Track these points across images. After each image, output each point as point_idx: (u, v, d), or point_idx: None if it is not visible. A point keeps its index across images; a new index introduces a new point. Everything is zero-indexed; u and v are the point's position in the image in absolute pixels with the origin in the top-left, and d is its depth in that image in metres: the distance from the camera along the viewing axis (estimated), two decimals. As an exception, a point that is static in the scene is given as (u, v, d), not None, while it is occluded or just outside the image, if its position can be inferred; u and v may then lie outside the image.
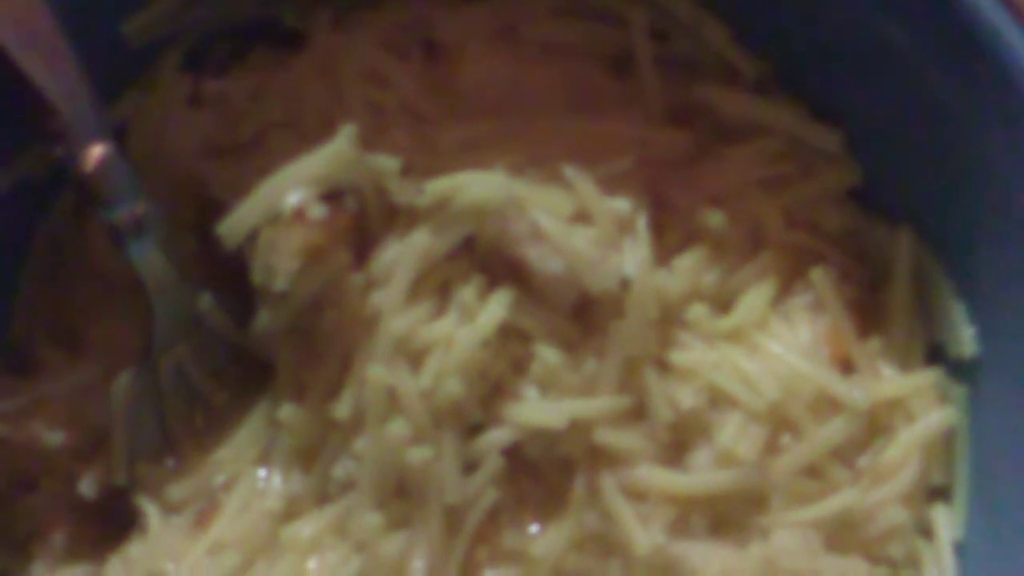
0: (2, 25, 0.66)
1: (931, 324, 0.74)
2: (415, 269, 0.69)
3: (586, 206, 0.71)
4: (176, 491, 0.71)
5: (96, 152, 0.67)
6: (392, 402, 0.68)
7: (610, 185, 0.72)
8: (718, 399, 0.70)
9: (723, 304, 0.73)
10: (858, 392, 0.70)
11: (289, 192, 0.68)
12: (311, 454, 0.70)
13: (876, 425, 0.71)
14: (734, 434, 0.70)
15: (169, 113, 0.75)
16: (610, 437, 0.69)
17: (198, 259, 0.74)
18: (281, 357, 0.71)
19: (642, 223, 0.72)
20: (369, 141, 0.71)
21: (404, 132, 0.74)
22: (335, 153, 0.69)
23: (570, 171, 0.72)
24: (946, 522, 0.71)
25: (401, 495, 0.69)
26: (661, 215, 0.73)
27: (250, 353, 0.73)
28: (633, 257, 0.71)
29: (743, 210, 0.74)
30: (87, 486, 0.71)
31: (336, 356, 0.70)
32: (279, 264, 0.68)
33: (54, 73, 0.67)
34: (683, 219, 0.74)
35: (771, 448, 0.70)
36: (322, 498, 0.70)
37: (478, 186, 0.69)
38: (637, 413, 0.70)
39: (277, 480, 0.71)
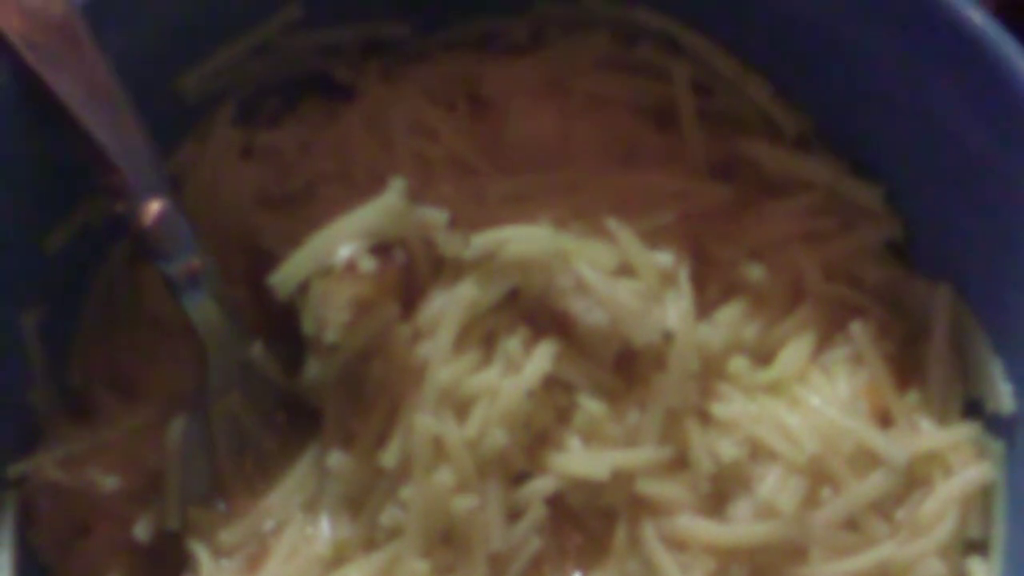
0: (64, 80, 0.68)
1: (969, 379, 0.74)
2: (461, 320, 0.71)
3: (629, 259, 0.72)
4: (227, 535, 0.73)
5: (154, 207, 0.69)
6: (438, 451, 0.69)
7: (653, 238, 0.74)
8: (758, 451, 0.71)
9: (763, 357, 0.74)
10: (897, 447, 0.71)
11: (340, 245, 0.70)
12: (359, 501, 0.72)
13: (914, 479, 0.72)
14: (774, 486, 0.70)
15: (222, 165, 0.77)
16: (652, 487, 0.70)
17: (249, 308, 0.75)
18: (330, 405, 0.73)
19: (684, 276, 0.73)
20: (417, 193, 0.72)
21: (451, 184, 0.75)
22: (385, 207, 0.71)
23: (614, 224, 0.73)
24: (983, 575, 0.72)
25: (447, 543, 0.70)
26: (702, 268, 0.75)
27: (299, 400, 0.74)
28: (675, 310, 0.72)
29: (783, 263, 0.75)
30: (141, 530, 0.72)
31: (384, 405, 0.71)
32: (330, 316, 0.69)
33: (115, 129, 0.69)
34: (724, 272, 0.75)
35: (811, 501, 0.70)
36: (369, 545, 0.71)
37: (524, 239, 0.71)
38: (678, 464, 0.71)
39: (325, 526, 0.72)
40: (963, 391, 0.74)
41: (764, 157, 0.77)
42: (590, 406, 0.71)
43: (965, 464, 0.72)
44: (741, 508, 0.71)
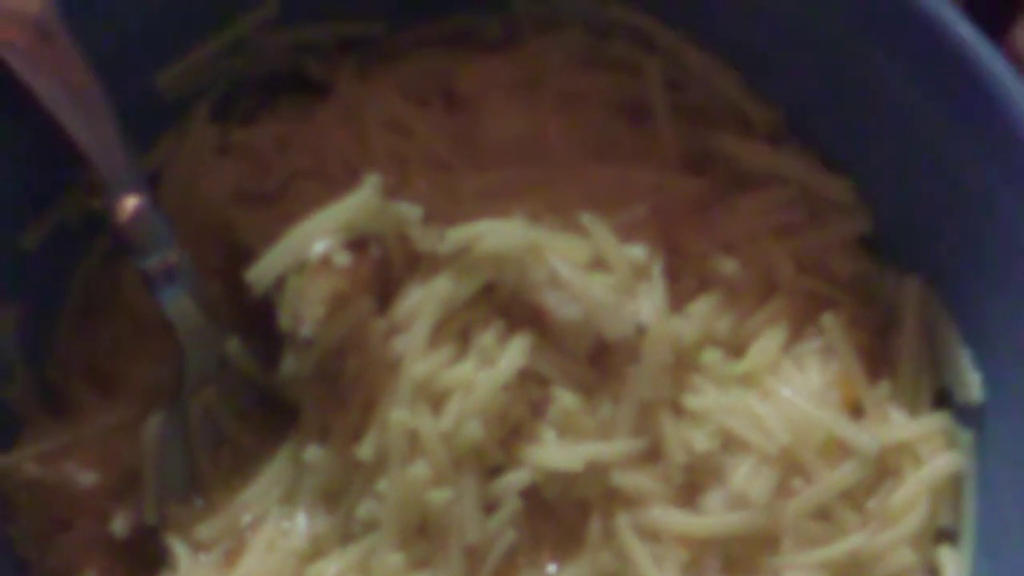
0: (41, 79, 0.69)
1: (939, 369, 0.75)
2: (436, 315, 0.71)
3: (603, 253, 0.73)
4: (204, 530, 0.73)
5: (130, 203, 0.70)
6: (414, 444, 0.70)
7: (626, 232, 0.74)
8: (731, 442, 0.72)
9: (736, 349, 0.75)
10: (867, 437, 0.71)
11: (316, 240, 0.70)
12: (335, 495, 0.72)
13: (885, 468, 0.73)
14: (746, 477, 0.71)
15: (199, 161, 0.78)
16: (626, 479, 0.71)
17: (225, 303, 0.76)
18: (306, 400, 0.73)
19: (657, 270, 0.73)
20: (392, 189, 0.73)
21: (426, 180, 0.76)
22: (360, 202, 0.71)
23: (587, 218, 0.73)
24: (953, 564, 0.72)
25: (423, 535, 0.70)
26: (675, 261, 0.75)
27: (276, 396, 0.75)
28: (649, 303, 0.72)
29: (755, 257, 0.75)
30: (119, 525, 0.73)
31: (360, 399, 0.72)
32: (306, 311, 0.70)
33: (91, 126, 0.69)
34: (697, 265, 0.75)
35: (783, 491, 0.71)
36: (346, 538, 0.72)
37: (498, 234, 0.71)
38: (652, 456, 0.72)
39: (302, 520, 0.73)
40: (933, 381, 0.75)
41: (736, 151, 0.77)
42: (564, 399, 0.71)
43: (935, 454, 0.73)
44: (714, 499, 0.71)
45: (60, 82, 0.69)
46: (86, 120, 0.69)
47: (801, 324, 0.75)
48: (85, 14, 0.70)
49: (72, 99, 0.69)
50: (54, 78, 0.69)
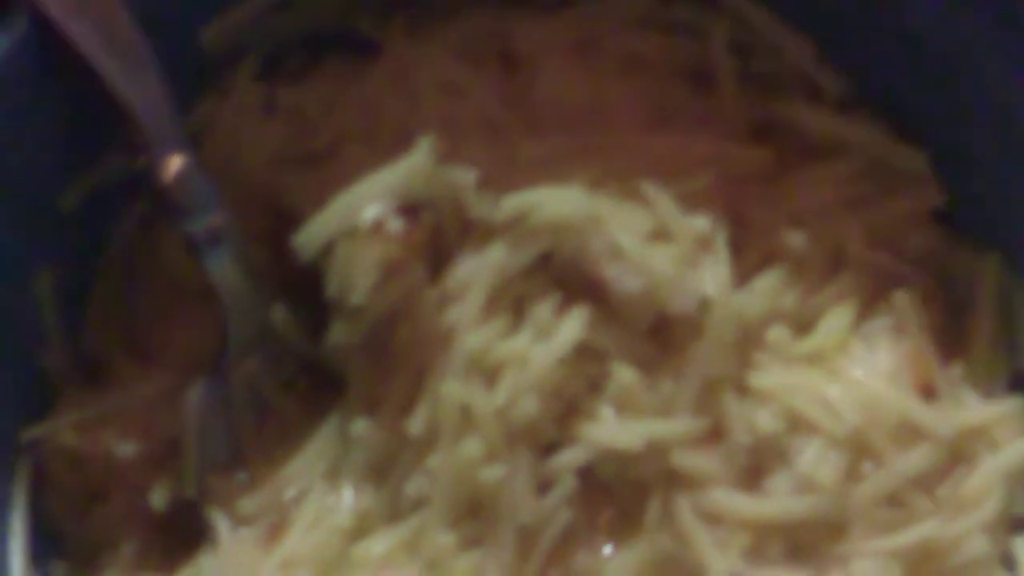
0: (86, 34, 0.66)
1: (1015, 351, 0.73)
2: (490, 285, 0.69)
3: (665, 224, 0.70)
4: (246, 504, 0.71)
5: (175, 163, 0.67)
6: (466, 419, 0.67)
7: (689, 202, 0.71)
8: (797, 424, 0.69)
9: (803, 326, 0.72)
10: (941, 420, 0.69)
11: (366, 205, 0.68)
12: (383, 470, 0.70)
13: (958, 453, 0.70)
14: (813, 460, 0.68)
15: (244, 122, 0.75)
16: (686, 460, 0.69)
17: (271, 269, 0.73)
18: (354, 371, 0.71)
19: (721, 242, 0.71)
20: (445, 154, 0.70)
21: (481, 145, 0.73)
22: (413, 166, 0.69)
23: (649, 188, 0.71)
24: (1030, 555, 0.70)
25: (474, 514, 0.68)
26: (740, 233, 0.73)
27: (322, 366, 0.73)
28: (712, 277, 0.70)
29: (824, 230, 0.73)
30: (158, 498, 0.71)
31: (410, 371, 0.69)
32: (356, 278, 0.67)
33: (135, 83, 0.67)
34: (762, 238, 0.73)
35: (851, 475, 0.69)
36: (394, 515, 0.70)
37: (556, 202, 0.69)
38: (714, 436, 0.69)
39: (348, 496, 0.71)
40: (1009, 363, 0.73)
41: (805, 120, 0.75)
42: (623, 374, 0.68)
43: (1011, 438, 0.70)
44: (779, 482, 0.69)
45: (104, 35, 0.67)
46: (130, 75, 0.67)
47: (871, 301, 0.73)
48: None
49: (116, 53, 0.67)
50: (97, 31, 0.66)
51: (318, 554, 0.69)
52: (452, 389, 0.67)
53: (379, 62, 0.77)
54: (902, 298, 0.72)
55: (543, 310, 0.69)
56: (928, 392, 0.71)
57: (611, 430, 0.68)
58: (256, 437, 0.73)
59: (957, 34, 0.69)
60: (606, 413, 0.69)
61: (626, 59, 0.76)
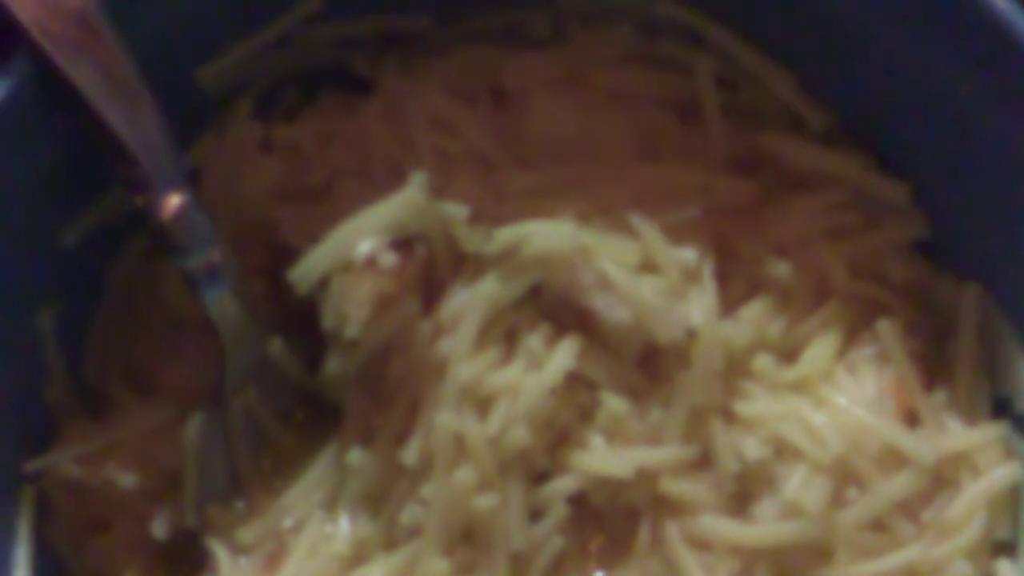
0: (84, 73, 0.67)
1: (997, 378, 0.73)
2: (483, 316, 0.70)
3: (652, 255, 0.72)
4: (245, 533, 0.72)
5: (174, 201, 0.68)
6: (460, 449, 0.68)
7: (676, 234, 0.73)
8: (783, 450, 0.70)
9: (788, 354, 0.73)
10: (924, 446, 0.70)
11: (361, 240, 0.69)
12: (378, 499, 0.71)
13: (941, 479, 0.71)
14: (799, 486, 0.69)
15: (241, 159, 0.76)
16: (675, 486, 0.70)
17: (268, 303, 0.74)
18: (350, 402, 0.72)
19: (708, 273, 0.72)
20: (437, 188, 0.72)
21: (472, 179, 0.74)
22: (406, 201, 0.70)
23: (637, 220, 0.72)
24: (1012, 577, 0.71)
25: (468, 541, 0.69)
26: (726, 264, 0.74)
27: (319, 397, 0.74)
28: (699, 307, 0.71)
29: (808, 260, 0.74)
30: (159, 528, 0.72)
31: (404, 402, 0.70)
32: (351, 311, 0.68)
33: (134, 121, 0.68)
34: (748, 268, 0.74)
35: (837, 501, 0.70)
36: (389, 543, 0.71)
37: (546, 235, 0.70)
38: (702, 463, 0.71)
39: (345, 524, 0.72)
40: (991, 390, 0.74)
41: (789, 152, 0.76)
42: (613, 404, 0.70)
43: (993, 464, 0.71)
44: (766, 508, 0.70)
45: (103, 76, 0.67)
46: (129, 115, 0.68)
47: (855, 330, 0.74)
48: (128, 7, 0.69)
49: (115, 93, 0.67)
50: (97, 72, 0.67)
51: (316, 582, 0.70)
52: (445, 419, 0.68)
53: (372, 99, 0.78)
54: (885, 327, 0.73)
55: (534, 341, 0.70)
56: (912, 418, 0.72)
57: (601, 458, 0.70)
58: (254, 467, 0.74)
59: (938, 71, 0.70)
60: (596, 442, 0.70)
61: (613, 93, 0.77)
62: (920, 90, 0.71)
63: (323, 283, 0.70)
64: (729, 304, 0.73)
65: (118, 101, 0.67)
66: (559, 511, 0.69)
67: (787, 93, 0.76)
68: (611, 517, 0.71)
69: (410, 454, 0.69)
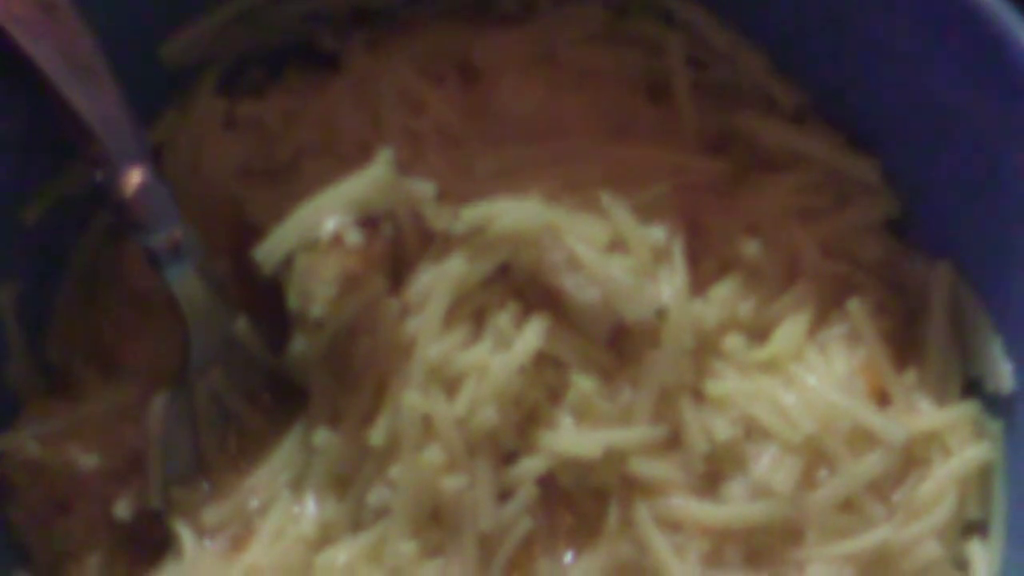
0: (43, 49, 0.67)
1: (968, 358, 0.73)
2: (450, 296, 0.69)
3: (622, 234, 0.71)
4: (210, 515, 0.71)
5: (135, 177, 0.67)
6: (427, 429, 0.68)
7: (646, 212, 0.72)
8: (753, 430, 0.70)
9: (759, 334, 0.73)
10: (894, 426, 0.70)
11: (326, 218, 0.69)
12: (345, 480, 0.70)
13: (912, 459, 0.71)
14: (769, 466, 0.69)
15: (205, 136, 0.76)
16: (645, 467, 0.69)
17: (233, 282, 0.74)
18: (316, 382, 0.71)
19: (678, 251, 0.72)
20: (405, 166, 0.71)
21: (440, 157, 0.74)
22: (373, 179, 0.69)
23: (606, 198, 0.72)
24: (982, 557, 0.71)
25: (436, 522, 0.69)
26: (696, 243, 0.73)
27: (285, 378, 0.73)
28: (669, 286, 0.70)
29: (779, 239, 0.74)
30: (122, 509, 0.71)
31: (371, 382, 0.70)
32: (316, 290, 0.68)
33: (94, 98, 0.67)
34: (719, 247, 0.74)
35: (807, 481, 0.69)
36: (356, 524, 0.70)
37: (514, 213, 0.70)
38: (672, 443, 0.70)
39: (311, 506, 0.71)
40: (962, 370, 0.73)
41: (760, 131, 0.76)
42: (582, 383, 0.69)
43: (964, 444, 0.71)
44: (736, 488, 0.70)
45: (62, 53, 0.67)
46: (89, 91, 0.67)
47: (826, 309, 0.74)
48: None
49: (74, 70, 0.67)
50: (56, 49, 0.67)
51: (281, 564, 0.70)
52: (413, 399, 0.68)
53: (339, 76, 0.77)
54: (856, 306, 0.73)
55: (503, 320, 0.70)
56: (882, 399, 0.72)
57: (570, 438, 0.69)
58: (220, 448, 0.73)
59: (909, 49, 0.70)
60: (565, 422, 0.70)
61: (583, 72, 0.77)
62: (890, 68, 0.71)
63: (288, 262, 0.69)
64: (699, 283, 0.72)
65: (77, 77, 0.67)
66: (528, 492, 0.69)
67: (758, 72, 0.76)
68: (580, 498, 0.70)
69: (377, 435, 0.69)
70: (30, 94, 0.68)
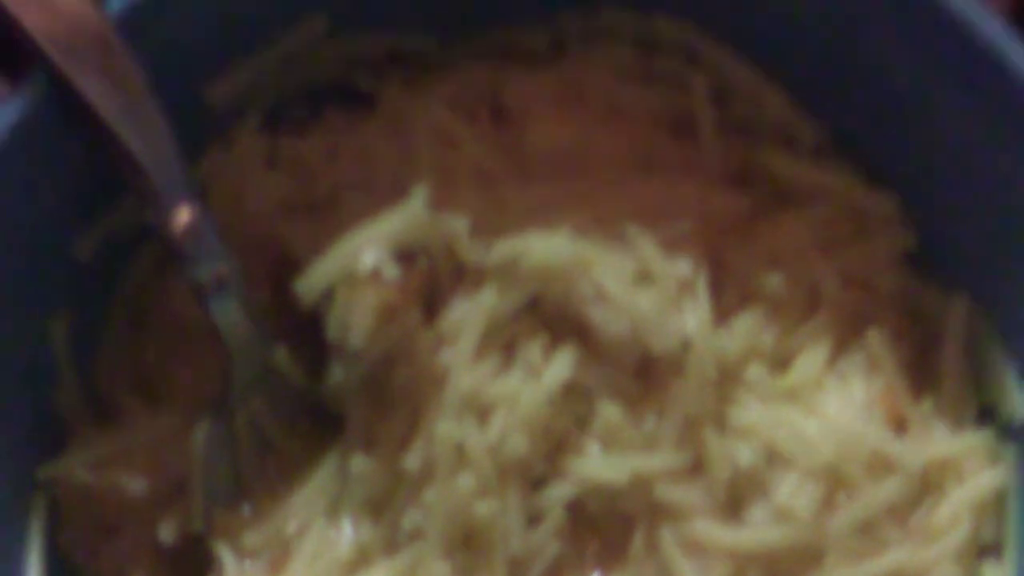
0: (96, 86, 0.69)
1: (982, 386, 0.75)
2: (482, 327, 0.71)
3: (648, 267, 0.73)
4: (251, 538, 0.73)
5: (184, 214, 0.69)
6: (460, 456, 0.70)
7: (671, 246, 0.74)
8: (775, 457, 0.72)
9: (780, 364, 0.75)
10: (911, 453, 0.72)
11: (365, 252, 0.71)
12: (380, 504, 0.72)
13: (928, 484, 0.73)
14: (790, 491, 0.71)
15: (247, 172, 0.78)
16: (669, 493, 0.71)
17: (273, 314, 0.76)
18: (353, 410, 0.73)
19: (702, 284, 0.73)
20: (439, 201, 0.73)
21: (473, 193, 0.76)
22: (409, 214, 0.71)
23: (633, 232, 0.74)
24: (996, 579, 0.73)
25: (467, 546, 0.71)
26: (719, 276, 0.75)
27: (323, 406, 0.75)
28: (694, 318, 0.72)
29: (799, 272, 0.75)
30: (166, 532, 0.73)
31: (406, 410, 0.72)
32: (355, 322, 0.70)
33: (145, 136, 0.69)
34: (741, 280, 0.75)
35: (827, 506, 0.71)
36: (391, 547, 0.72)
37: (544, 247, 0.71)
38: (696, 469, 0.72)
39: (348, 528, 0.73)
40: (977, 397, 0.75)
41: (781, 166, 0.78)
42: (609, 412, 0.71)
43: (978, 470, 0.73)
44: (758, 513, 0.71)
45: (116, 91, 0.69)
46: (141, 129, 0.69)
47: (845, 339, 0.75)
48: (138, 25, 0.71)
49: (128, 108, 0.69)
50: (110, 87, 0.69)
51: (319, 585, 0.72)
52: (446, 427, 0.70)
53: (376, 114, 0.80)
54: (875, 336, 0.74)
55: (532, 351, 0.71)
56: (900, 425, 0.74)
57: (597, 465, 0.71)
58: (260, 474, 0.75)
59: (926, 86, 0.72)
60: (592, 449, 0.72)
61: (610, 109, 0.79)
62: (908, 105, 0.73)
63: (328, 294, 0.71)
64: (722, 315, 0.74)
65: (130, 116, 0.69)
66: (556, 517, 0.71)
67: (779, 108, 0.78)
68: (607, 522, 0.72)
69: (412, 461, 0.71)
70: (82, 131, 0.70)
